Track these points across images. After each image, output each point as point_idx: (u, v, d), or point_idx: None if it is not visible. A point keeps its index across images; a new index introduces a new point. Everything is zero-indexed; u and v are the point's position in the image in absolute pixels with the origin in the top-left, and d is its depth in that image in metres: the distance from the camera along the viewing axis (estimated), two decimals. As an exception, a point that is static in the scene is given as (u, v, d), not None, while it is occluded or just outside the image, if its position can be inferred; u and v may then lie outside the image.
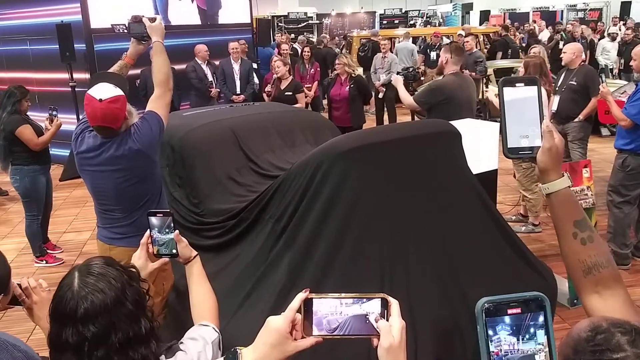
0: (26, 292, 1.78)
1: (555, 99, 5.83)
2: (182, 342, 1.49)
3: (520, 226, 5.65)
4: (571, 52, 5.80)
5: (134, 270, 1.42)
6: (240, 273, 2.70)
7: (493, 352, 0.92)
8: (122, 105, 2.86)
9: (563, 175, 1.29)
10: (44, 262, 5.33)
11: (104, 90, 2.82)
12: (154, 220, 1.83)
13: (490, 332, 0.92)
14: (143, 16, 3.25)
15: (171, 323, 2.86)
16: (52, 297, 1.34)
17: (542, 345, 0.92)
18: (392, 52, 10.84)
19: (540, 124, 1.28)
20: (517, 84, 1.29)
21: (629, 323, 0.95)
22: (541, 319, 0.94)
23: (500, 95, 1.29)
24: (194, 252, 1.84)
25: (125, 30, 3.31)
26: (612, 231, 4.90)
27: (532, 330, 0.93)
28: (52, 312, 1.31)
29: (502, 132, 1.29)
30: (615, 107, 4.75)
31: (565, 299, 4.12)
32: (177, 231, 1.82)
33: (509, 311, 0.94)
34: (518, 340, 0.92)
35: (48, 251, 5.46)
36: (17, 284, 1.78)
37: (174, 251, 1.82)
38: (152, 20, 3.23)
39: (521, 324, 0.93)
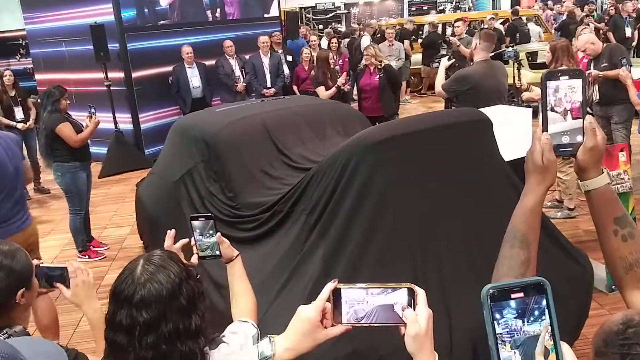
0: (73, 275, 1.87)
1: (594, 89, 5.71)
2: (224, 335, 1.55)
3: (555, 212, 5.57)
4: (588, 42, 5.69)
5: (194, 269, 1.48)
6: (275, 265, 2.76)
7: (499, 333, 0.95)
8: None
9: (602, 172, 1.27)
10: (87, 257, 5.51)
11: None
12: (196, 223, 1.90)
13: (497, 316, 0.95)
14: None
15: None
16: (115, 279, 1.42)
17: (546, 325, 0.95)
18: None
19: (583, 119, 1.23)
20: (561, 77, 1.23)
21: None
22: (544, 302, 0.96)
23: (543, 89, 1.24)
24: (236, 252, 1.91)
25: None
26: None
27: (536, 312, 0.96)
28: (112, 292, 1.39)
29: (544, 127, 1.25)
30: (633, 91, 4.69)
31: (603, 285, 4.06)
32: (219, 233, 1.89)
33: (512, 295, 0.96)
34: (523, 322, 0.95)
35: (95, 249, 5.64)
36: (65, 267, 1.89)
37: (217, 252, 1.89)
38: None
39: (526, 307, 0.95)
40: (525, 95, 5.29)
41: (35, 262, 1.88)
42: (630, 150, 4.45)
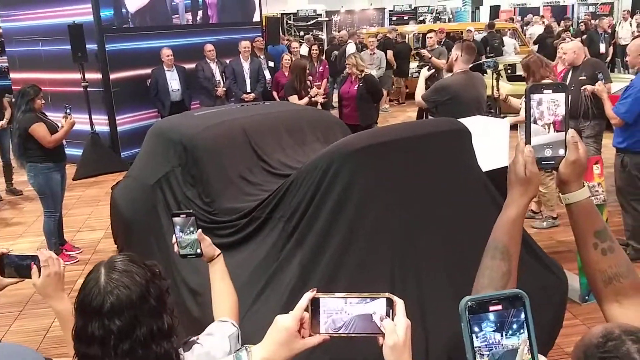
0: (44, 264, 1.77)
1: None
2: (198, 338, 1.53)
3: (541, 222, 5.66)
4: (572, 50, 5.77)
5: (156, 267, 1.45)
6: (252, 271, 2.73)
7: (478, 347, 0.94)
8: None
9: (584, 186, 1.28)
10: (59, 260, 5.39)
11: None
12: (177, 220, 1.87)
13: (476, 329, 0.94)
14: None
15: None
16: (78, 292, 1.37)
17: (524, 340, 0.95)
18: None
19: (566, 133, 1.24)
20: (544, 91, 1.24)
21: None
22: (522, 315, 0.96)
23: (527, 101, 1.25)
24: (217, 251, 1.88)
25: None
26: (630, 229, 4.87)
27: (514, 326, 0.95)
28: (78, 305, 1.35)
29: (527, 139, 1.26)
30: (608, 105, 4.78)
31: (576, 295, 4.11)
32: (200, 230, 1.86)
33: (491, 308, 0.96)
34: (502, 335, 0.95)
35: (67, 252, 5.52)
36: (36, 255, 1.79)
37: (198, 251, 1.86)
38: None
39: (504, 321, 0.95)
40: (512, 119, 5.35)
41: (3, 250, 1.81)
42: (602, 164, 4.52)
